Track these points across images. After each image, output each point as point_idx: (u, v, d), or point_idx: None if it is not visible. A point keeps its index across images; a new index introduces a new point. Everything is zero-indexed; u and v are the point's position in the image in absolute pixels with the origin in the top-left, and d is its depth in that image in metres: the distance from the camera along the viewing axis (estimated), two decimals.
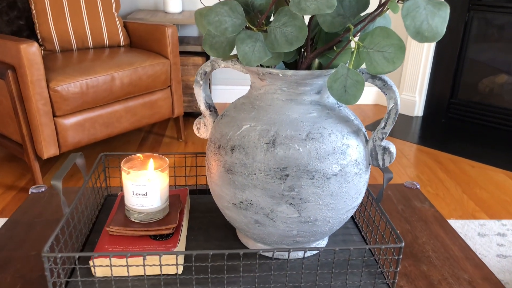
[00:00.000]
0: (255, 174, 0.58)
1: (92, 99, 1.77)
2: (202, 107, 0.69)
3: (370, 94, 3.01)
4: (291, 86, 0.59)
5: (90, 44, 2.11)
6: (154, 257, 0.61)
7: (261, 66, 0.61)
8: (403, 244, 0.58)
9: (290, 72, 0.56)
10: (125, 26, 2.24)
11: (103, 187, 0.84)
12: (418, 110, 2.84)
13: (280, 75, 0.57)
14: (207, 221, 0.76)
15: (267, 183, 0.57)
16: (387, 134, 0.62)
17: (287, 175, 0.57)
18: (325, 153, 0.57)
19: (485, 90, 2.58)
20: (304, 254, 0.58)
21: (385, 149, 0.61)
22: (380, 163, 0.63)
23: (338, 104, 0.64)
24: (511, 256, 1.48)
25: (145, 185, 0.66)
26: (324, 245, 0.71)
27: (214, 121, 0.69)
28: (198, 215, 0.78)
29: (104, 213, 0.78)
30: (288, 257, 0.57)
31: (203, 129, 0.70)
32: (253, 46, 0.51)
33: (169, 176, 0.84)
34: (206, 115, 0.70)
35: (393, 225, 0.62)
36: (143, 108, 2.00)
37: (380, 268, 0.65)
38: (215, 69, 0.67)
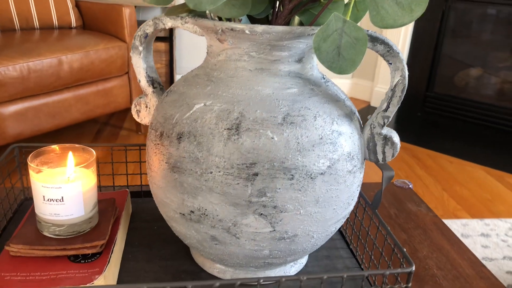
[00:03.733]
0: (211, 172, 0.41)
1: (36, 85, 1.55)
2: (143, 82, 0.52)
3: (343, 87, 2.88)
4: (263, 50, 0.42)
5: (36, 24, 1.88)
6: None
7: (220, 19, 0.44)
8: (413, 268, 0.43)
9: (260, 28, 0.40)
10: (77, 5, 2.01)
11: (16, 189, 0.65)
12: None
13: (247, 32, 0.40)
14: (152, 232, 0.59)
15: (228, 185, 0.41)
16: (390, 119, 0.46)
17: (256, 174, 0.40)
18: (309, 144, 0.41)
19: (461, 84, 2.49)
20: (279, 286, 0.42)
21: (387, 139, 0.46)
22: (380, 157, 0.47)
23: (324, 78, 0.47)
24: (497, 259, 1.37)
25: (61, 188, 0.48)
26: (303, 263, 0.55)
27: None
28: (140, 225, 0.60)
29: (15, 224, 0.59)
30: None
31: (144, 111, 0.53)
32: None
33: (105, 175, 0.66)
34: (149, 92, 0.52)
35: (398, 240, 0.47)
36: (96, 96, 1.78)
37: None
38: (159, 30, 0.49)
